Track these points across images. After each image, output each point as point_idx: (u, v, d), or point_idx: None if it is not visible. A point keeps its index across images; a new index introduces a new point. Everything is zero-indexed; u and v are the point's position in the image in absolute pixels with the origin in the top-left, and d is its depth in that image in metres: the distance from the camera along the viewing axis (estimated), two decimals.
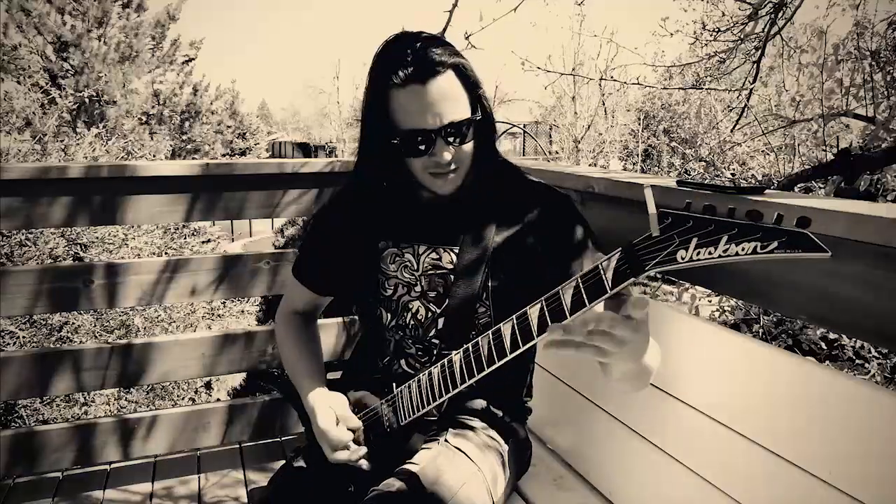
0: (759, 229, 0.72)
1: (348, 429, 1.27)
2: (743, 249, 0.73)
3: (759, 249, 0.72)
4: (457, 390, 1.15)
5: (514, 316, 1.01)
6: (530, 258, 1.30)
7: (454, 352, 1.14)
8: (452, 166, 1.24)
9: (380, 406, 1.32)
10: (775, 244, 0.71)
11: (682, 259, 0.79)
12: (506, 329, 1.02)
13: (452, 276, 1.32)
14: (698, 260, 0.77)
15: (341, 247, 1.41)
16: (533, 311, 0.98)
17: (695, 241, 0.77)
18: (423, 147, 1.21)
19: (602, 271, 0.89)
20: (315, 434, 1.30)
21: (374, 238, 1.39)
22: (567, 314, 0.93)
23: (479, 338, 1.07)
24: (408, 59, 1.17)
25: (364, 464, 1.27)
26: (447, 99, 1.19)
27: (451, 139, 1.21)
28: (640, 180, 1.61)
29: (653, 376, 1.16)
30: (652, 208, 0.80)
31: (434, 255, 1.34)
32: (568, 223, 1.32)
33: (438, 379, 1.18)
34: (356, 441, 1.28)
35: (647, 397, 1.44)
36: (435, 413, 1.34)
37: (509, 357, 1.03)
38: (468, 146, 1.25)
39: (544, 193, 1.36)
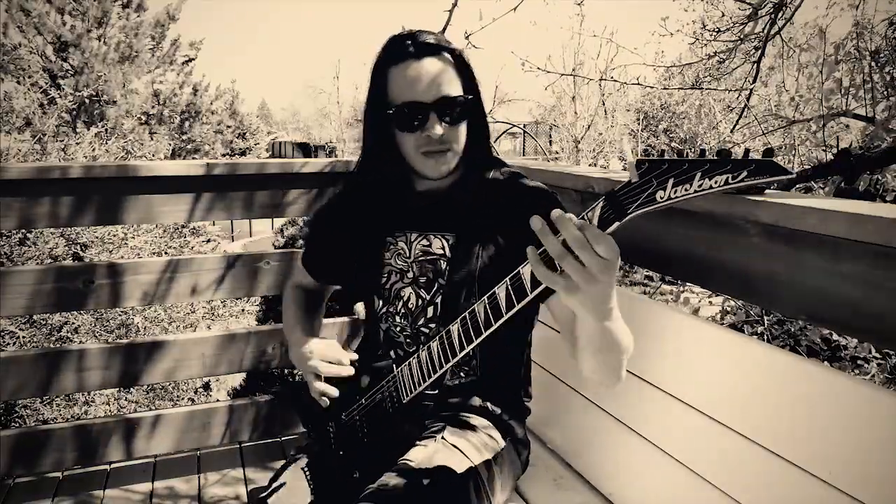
0: (728, 162, 0.78)
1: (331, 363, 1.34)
2: (716, 182, 0.79)
3: (730, 180, 0.78)
4: (456, 359, 1.15)
5: (507, 277, 1.02)
6: (516, 251, 1.31)
7: (451, 324, 1.15)
8: (444, 145, 1.28)
9: (382, 387, 1.33)
10: (745, 173, 0.77)
11: (661, 199, 0.83)
12: (500, 291, 1.04)
13: (444, 263, 1.37)
14: (676, 197, 0.82)
15: (342, 239, 1.47)
16: (525, 269, 0.99)
17: (671, 180, 0.82)
18: (416, 119, 1.27)
19: (588, 220, 0.90)
20: (296, 361, 1.37)
21: (372, 228, 1.44)
22: (557, 265, 0.93)
23: (476, 304, 1.09)
24: (406, 41, 1.28)
25: (333, 391, 1.33)
26: (441, 75, 1.27)
27: (443, 114, 1.27)
28: None
29: (624, 364, 1.13)
30: (629, 156, 0.85)
31: (425, 242, 1.39)
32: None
33: (438, 351, 1.19)
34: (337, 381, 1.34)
35: (648, 397, 1.44)
36: (432, 389, 1.35)
37: (505, 317, 1.04)
38: (460, 128, 1.30)
39: (533, 190, 1.39)
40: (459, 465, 1.27)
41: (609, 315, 0.99)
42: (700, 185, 0.80)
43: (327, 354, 1.34)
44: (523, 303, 1.01)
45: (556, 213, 0.88)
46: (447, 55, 1.29)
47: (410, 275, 1.40)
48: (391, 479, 1.20)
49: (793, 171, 0.77)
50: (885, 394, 1.04)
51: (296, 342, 1.41)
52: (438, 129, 1.26)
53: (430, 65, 1.26)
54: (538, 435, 1.81)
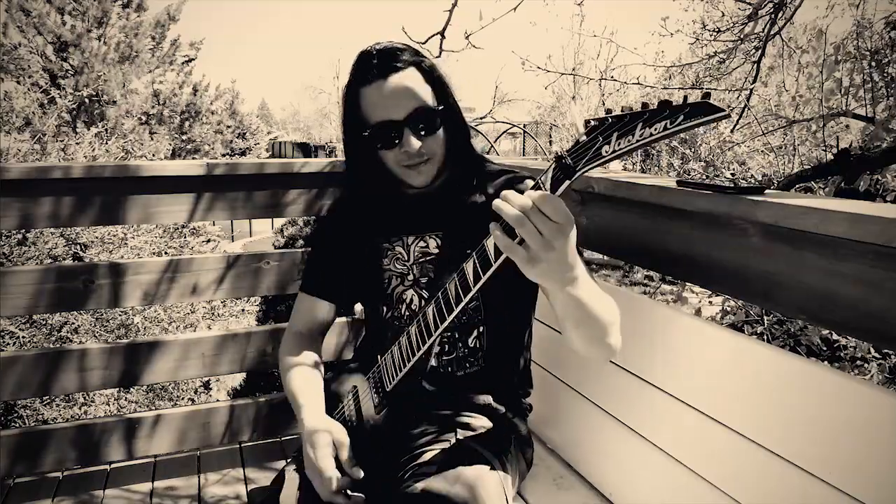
0: (666, 109, 0.81)
1: (346, 474, 1.23)
2: (656, 130, 0.82)
3: (668, 126, 0.81)
4: (432, 339, 1.19)
5: (473, 251, 1.07)
6: None
7: (427, 306, 1.20)
8: (423, 157, 1.32)
9: (367, 379, 1.35)
10: (681, 117, 0.80)
11: (607, 153, 0.88)
12: (468, 266, 1.08)
13: (440, 262, 1.39)
14: (620, 149, 0.86)
15: (341, 252, 1.49)
16: (489, 242, 1.03)
17: (615, 135, 0.87)
18: (392, 138, 1.30)
19: (541, 184, 0.95)
20: (306, 465, 1.26)
21: (369, 236, 1.46)
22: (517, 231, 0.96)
23: (447, 283, 1.13)
24: (373, 60, 1.31)
25: (359, 474, 1.23)
26: (410, 91, 1.29)
27: (417, 128, 1.30)
28: (641, 180, 1.61)
29: (611, 336, 1.14)
30: (578, 119, 0.90)
31: (422, 244, 1.42)
32: None
33: (416, 334, 1.23)
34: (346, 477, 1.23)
35: (648, 397, 1.44)
36: (429, 384, 1.37)
37: (474, 290, 1.08)
38: (437, 137, 1.33)
39: (516, 179, 1.42)
40: (477, 465, 1.26)
41: (573, 283, 1.02)
42: (642, 135, 0.84)
43: (333, 483, 1.21)
44: (488, 274, 1.05)
45: (506, 192, 0.94)
46: (414, 68, 1.31)
47: (410, 277, 1.42)
48: (416, 483, 1.18)
49: (727, 109, 0.82)
50: (885, 394, 1.04)
51: (302, 419, 1.30)
52: (414, 144, 1.29)
53: (398, 82, 1.28)
54: (538, 435, 1.81)
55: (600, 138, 0.88)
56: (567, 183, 0.92)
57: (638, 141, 0.84)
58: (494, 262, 1.03)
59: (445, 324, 1.16)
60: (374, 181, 1.41)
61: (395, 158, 1.33)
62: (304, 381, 1.41)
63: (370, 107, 1.31)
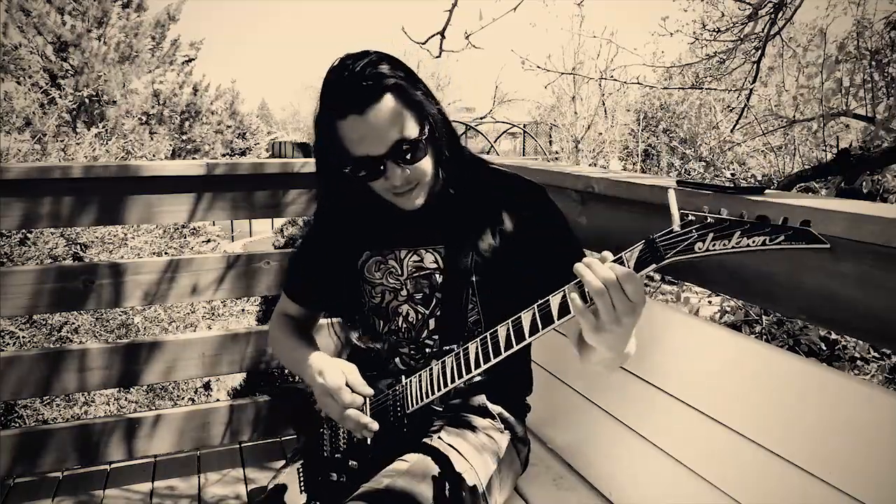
0: (768, 226, 0.83)
1: (357, 392, 1.28)
2: (753, 242, 0.84)
3: (767, 242, 0.83)
4: (469, 375, 1.16)
5: (535, 304, 1.04)
6: (509, 251, 1.32)
7: (470, 343, 1.16)
8: (411, 184, 1.25)
9: (387, 395, 1.32)
10: (782, 237, 0.82)
11: (700, 250, 0.88)
12: (525, 316, 1.05)
13: (438, 276, 1.35)
14: (714, 251, 0.87)
15: (326, 262, 1.44)
16: (554, 299, 1.01)
17: (711, 235, 0.87)
18: (375, 170, 1.23)
19: (626, 261, 0.94)
20: (317, 394, 1.30)
21: (357, 249, 1.42)
22: (588, 299, 0.96)
23: (498, 326, 1.09)
24: (343, 88, 1.19)
25: (370, 429, 1.27)
26: (388, 123, 1.19)
27: (401, 159, 1.22)
28: (640, 180, 1.61)
29: (626, 362, 1.18)
30: (675, 208, 0.90)
31: (416, 258, 1.37)
32: (542, 215, 1.35)
33: (452, 368, 1.18)
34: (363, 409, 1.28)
35: (648, 397, 1.44)
36: (439, 403, 1.34)
37: (528, 340, 1.06)
38: (423, 163, 1.25)
39: (518, 186, 1.38)
40: (455, 467, 1.26)
41: (623, 350, 1.04)
42: (738, 243, 0.84)
43: (348, 400, 1.27)
44: (548, 329, 1.02)
45: (589, 259, 0.94)
46: (390, 95, 1.19)
47: (405, 292, 1.39)
48: (383, 479, 1.19)
49: (827, 242, 0.84)
50: (884, 394, 1.04)
51: (307, 363, 1.34)
52: (399, 177, 1.22)
53: (375, 115, 1.17)
54: (538, 435, 1.81)
55: (695, 234, 0.88)
56: (653, 267, 0.93)
57: (733, 247, 0.85)
58: (557, 321, 1.01)
59: (488, 365, 1.12)
60: (362, 201, 1.34)
61: (382, 187, 1.27)
62: (301, 341, 1.43)
63: (348, 142, 1.21)
